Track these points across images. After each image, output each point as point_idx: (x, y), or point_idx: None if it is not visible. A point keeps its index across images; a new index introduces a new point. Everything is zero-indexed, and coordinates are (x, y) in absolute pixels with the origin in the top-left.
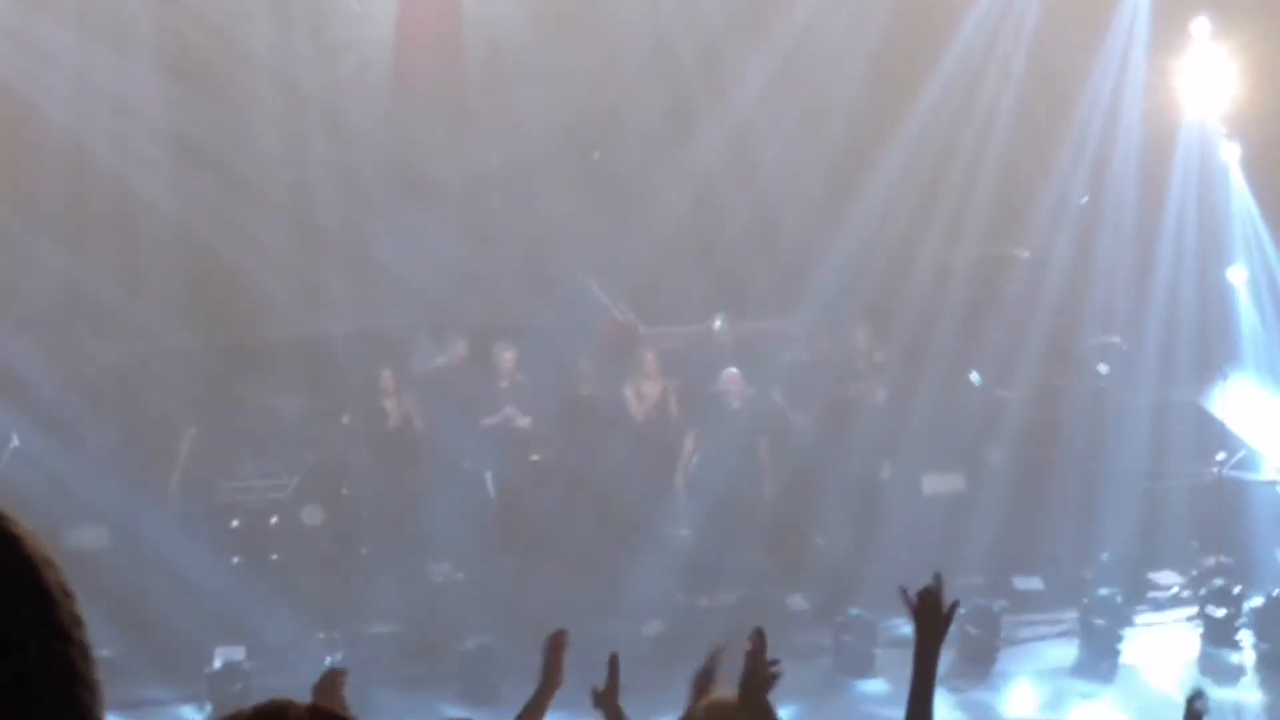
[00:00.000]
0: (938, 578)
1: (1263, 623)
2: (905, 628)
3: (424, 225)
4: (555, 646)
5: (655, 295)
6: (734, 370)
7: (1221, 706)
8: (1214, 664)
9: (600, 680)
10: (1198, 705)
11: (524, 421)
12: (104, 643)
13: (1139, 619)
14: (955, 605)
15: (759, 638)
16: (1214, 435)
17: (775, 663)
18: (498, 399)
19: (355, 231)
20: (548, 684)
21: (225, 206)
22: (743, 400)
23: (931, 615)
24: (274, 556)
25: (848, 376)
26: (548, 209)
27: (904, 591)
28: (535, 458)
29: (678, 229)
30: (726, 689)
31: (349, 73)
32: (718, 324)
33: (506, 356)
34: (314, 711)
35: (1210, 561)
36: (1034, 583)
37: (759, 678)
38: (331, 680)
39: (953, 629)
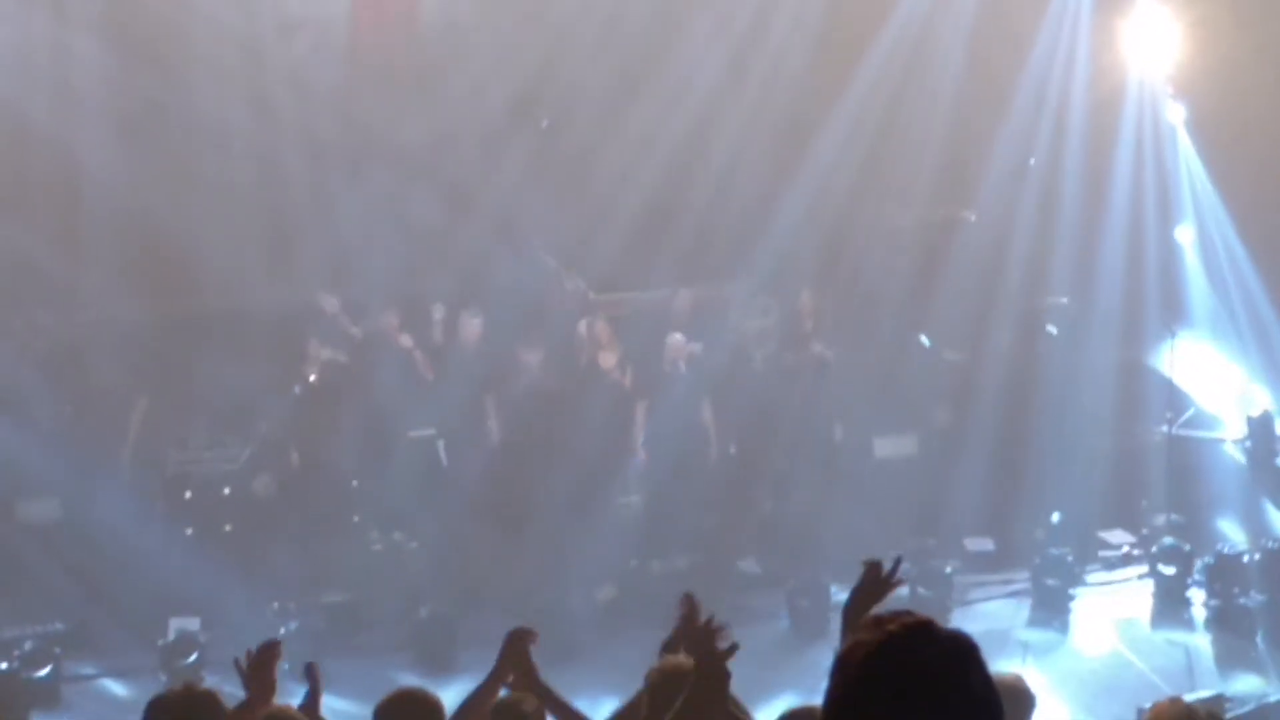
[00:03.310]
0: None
1: (1213, 580)
2: None
3: (373, 195)
4: (514, 642)
5: (604, 263)
6: (678, 336)
7: (1173, 664)
8: (1166, 622)
9: (553, 647)
10: None
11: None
12: (58, 615)
13: (1090, 578)
14: (896, 564)
15: (688, 602)
16: (1163, 394)
17: (709, 621)
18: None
19: (306, 202)
20: (497, 675)
21: (174, 177)
22: (687, 365)
23: (874, 586)
24: (227, 527)
25: (797, 340)
26: (497, 178)
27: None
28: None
29: (626, 197)
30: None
31: (302, 44)
32: (681, 292)
33: (471, 323)
34: None
35: (1160, 520)
36: (985, 544)
37: (703, 640)
38: (267, 654)
39: (904, 591)
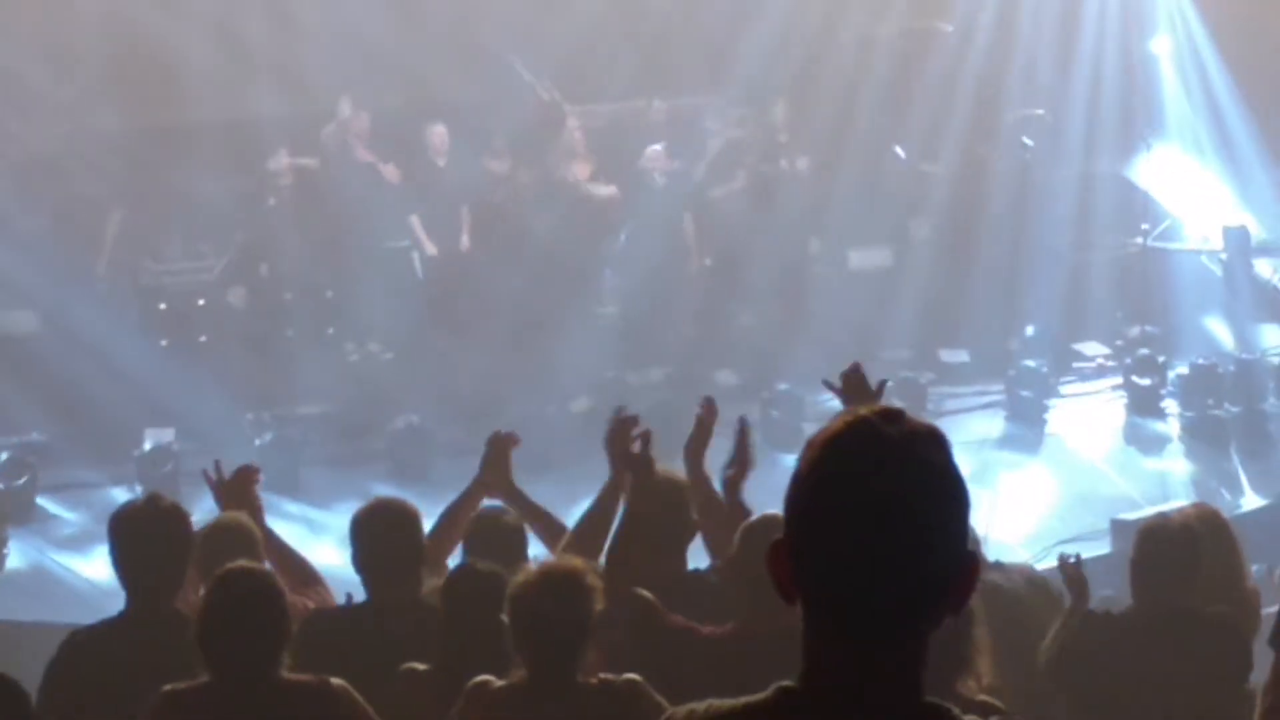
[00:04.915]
0: (856, 366)
1: (1187, 391)
2: (831, 402)
3: (347, 2)
4: (497, 446)
5: (580, 74)
6: (658, 146)
7: (1147, 475)
8: (1139, 433)
9: (528, 459)
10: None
11: (430, 248)
12: (34, 426)
13: (1065, 390)
14: (882, 383)
15: (707, 405)
16: (1138, 206)
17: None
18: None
19: (281, 10)
20: (480, 481)
21: None
22: (668, 176)
23: (860, 396)
24: (202, 338)
25: (770, 152)
26: None
27: (827, 382)
28: (464, 239)
29: (602, 5)
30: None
31: None
32: (656, 103)
33: (437, 131)
34: None
35: (1135, 331)
36: (960, 355)
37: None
38: (243, 479)
39: (880, 403)
